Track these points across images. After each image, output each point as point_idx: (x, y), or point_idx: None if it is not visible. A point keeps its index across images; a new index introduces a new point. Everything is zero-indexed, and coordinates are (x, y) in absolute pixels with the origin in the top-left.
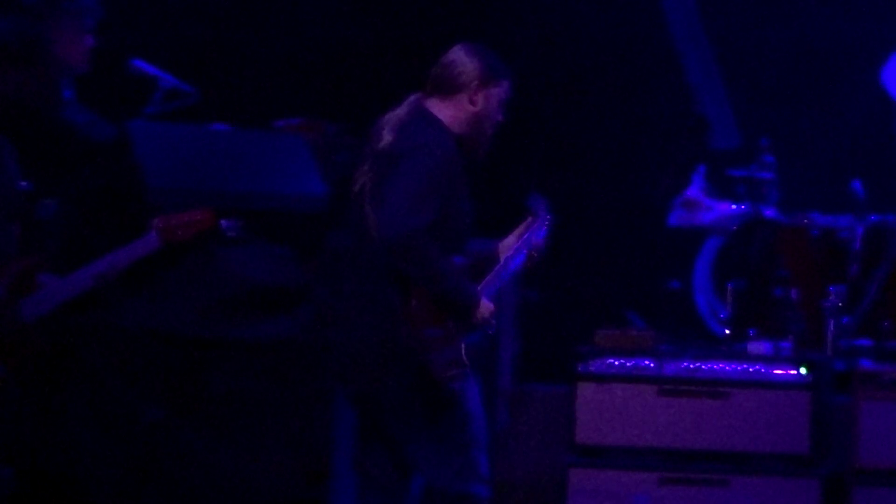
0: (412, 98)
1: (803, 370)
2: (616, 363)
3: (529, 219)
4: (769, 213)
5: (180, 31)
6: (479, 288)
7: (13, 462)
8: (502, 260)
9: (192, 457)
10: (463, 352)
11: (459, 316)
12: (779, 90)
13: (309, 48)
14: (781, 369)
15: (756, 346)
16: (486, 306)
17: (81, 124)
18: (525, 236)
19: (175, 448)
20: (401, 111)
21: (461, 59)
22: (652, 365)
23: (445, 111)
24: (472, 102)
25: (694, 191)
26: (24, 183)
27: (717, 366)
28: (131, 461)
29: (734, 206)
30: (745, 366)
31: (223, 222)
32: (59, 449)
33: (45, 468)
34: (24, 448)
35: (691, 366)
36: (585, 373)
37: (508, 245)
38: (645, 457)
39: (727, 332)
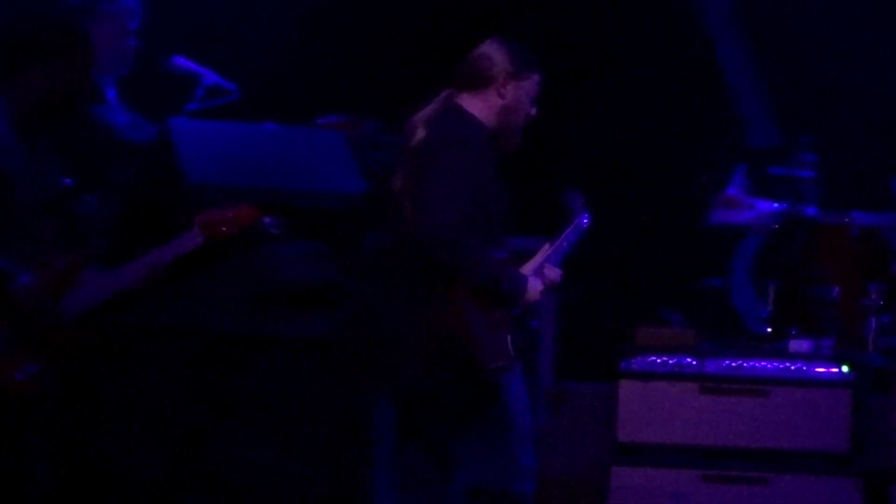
0: (443, 94)
1: (844, 368)
2: (658, 361)
3: (570, 220)
4: (809, 211)
5: (221, 28)
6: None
7: (51, 459)
8: (543, 254)
9: (230, 455)
10: (509, 343)
11: (506, 304)
12: (819, 87)
13: (350, 45)
14: (822, 367)
15: (797, 345)
16: (534, 285)
17: (123, 125)
18: (564, 234)
19: (214, 446)
20: (432, 108)
21: (490, 52)
22: (693, 363)
23: (476, 105)
24: (501, 95)
25: (734, 189)
26: (65, 179)
27: (759, 364)
28: (170, 458)
29: (774, 205)
30: (786, 364)
31: (266, 219)
32: (97, 446)
33: (83, 465)
34: (62, 445)
35: (733, 364)
36: (627, 371)
37: (548, 248)
38: (686, 455)
39: (768, 330)
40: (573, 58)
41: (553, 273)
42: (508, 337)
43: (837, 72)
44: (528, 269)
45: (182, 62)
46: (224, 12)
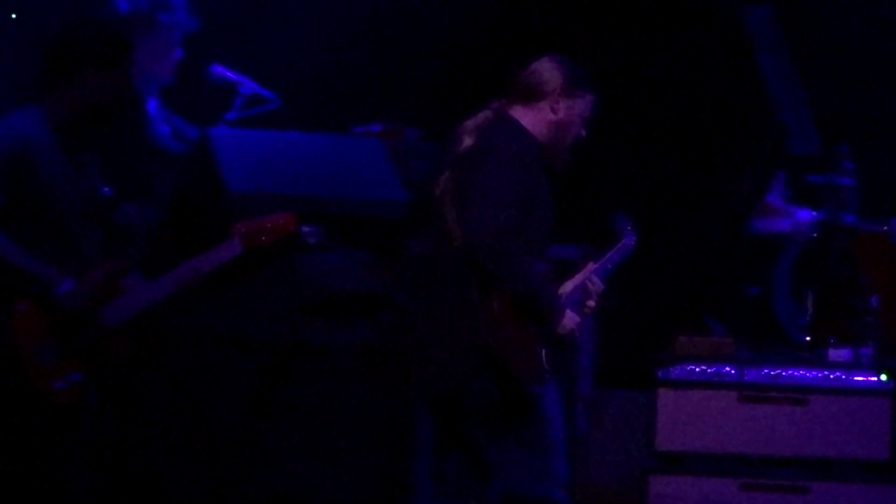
0: (494, 104)
1: (884, 377)
2: (696, 369)
3: (613, 241)
4: (848, 219)
5: (260, 36)
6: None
7: (94, 467)
8: (586, 273)
9: (272, 462)
10: (543, 355)
11: (542, 319)
12: (858, 95)
13: (389, 53)
14: (862, 376)
15: (836, 353)
16: (571, 318)
17: (165, 136)
18: (609, 255)
19: (256, 453)
20: (482, 116)
21: (546, 67)
22: (732, 371)
23: (526, 118)
24: (553, 111)
25: (773, 197)
26: (105, 188)
27: (798, 372)
28: (212, 466)
29: (813, 213)
30: (825, 372)
31: (304, 228)
32: (140, 454)
33: (126, 473)
34: (105, 453)
35: (772, 372)
36: (665, 379)
37: (592, 266)
38: (725, 463)
39: (807, 338)
40: (616, 67)
41: (596, 286)
42: (543, 350)
43: (876, 79)
44: (569, 285)
45: (221, 71)
46: (263, 20)
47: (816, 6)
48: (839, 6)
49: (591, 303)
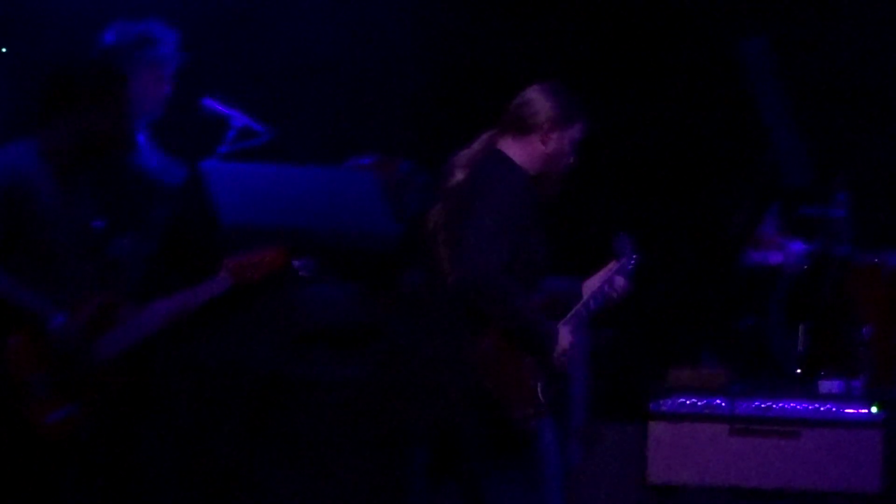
0: (485, 136)
1: (875, 409)
2: (688, 402)
3: (614, 260)
4: (841, 251)
5: (252, 69)
6: (559, 324)
7: (88, 500)
8: (584, 299)
9: (266, 495)
10: (539, 391)
11: (538, 353)
12: (852, 127)
13: (382, 85)
14: (853, 408)
15: (827, 385)
16: (564, 337)
17: (154, 168)
18: (608, 276)
19: (249, 486)
20: (473, 149)
21: (536, 98)
22: (724, 404)
23: (518, 150)
24: (544, 143)
25: (766, 229)
26: (98, 221)
27: (789, 404)
28: (206, 499)
29: (806, 245)
30: (816, 404)
31: (296, 261)
32: (133, 487)
33: None
34: (98, 486)
35: (763, 405)
36: (657, 411)
37: (591, 285)
38: (717, 496)
39: (799, 370)
40: (610, 99)
41: (619, 285)
42: (539, 384)
43: (870, 112)
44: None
45: (212, 104)
46: (255, 54)
47: (812, 38)
48: (834, 38)
49: (614, 300)
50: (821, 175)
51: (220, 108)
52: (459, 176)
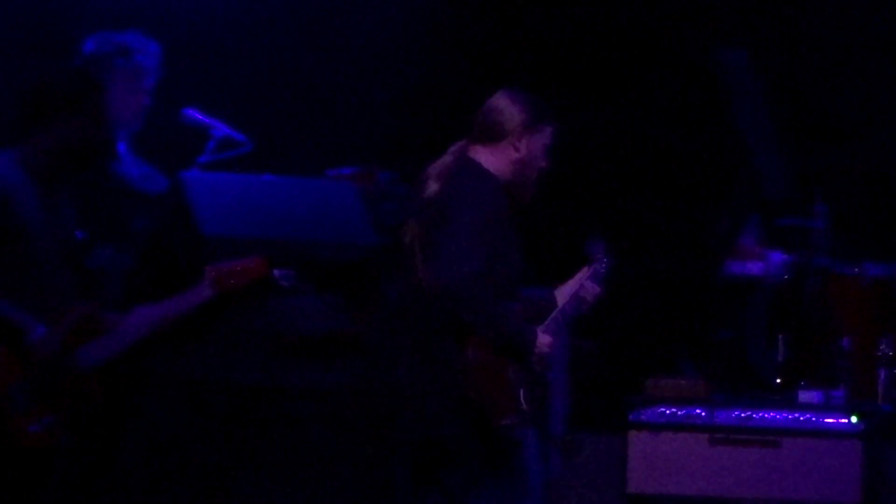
0: (456, 146)
1: (855, 419)
2: (667, 412)
3: (587, 265)
4: (822, 261)
5: (232, 80)
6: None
7: None
8: (560, 306)
9: None
10: (522, 399)
11: (518, 358)
12: (830, 138)
13: (360, 97)
14: (833, 418)
15: (807, 395)
16: (544, 339)
17: (135, 178)
18: (582, 281)
19: (232, 497)
20: (446, 159)
21: (504, 105)
22: (703, 414)
23: (490, 158)
24: (515, 149)
25: (746, 240)
26: (79, 232)
27: (769, 415)
28: None
29: (786, 256)
30: (796, 414)
31: (276, 271)
32: (113, 498)
33: None
34: (78, 497)
35: (743, 414)
36: (637, 421)
37: (566, 292)
38: None
39: (778, 381)
40: (591, 111)
41: (592, 290)
42: (521, 392)
43: (848, 123)
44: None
45: (193, 114)
46: (235, 64)
47: (790, 51)
48: (812, 50)
49: (588, 304)
50: (800, 186)
51: (200, 118)
52: (433, 187)
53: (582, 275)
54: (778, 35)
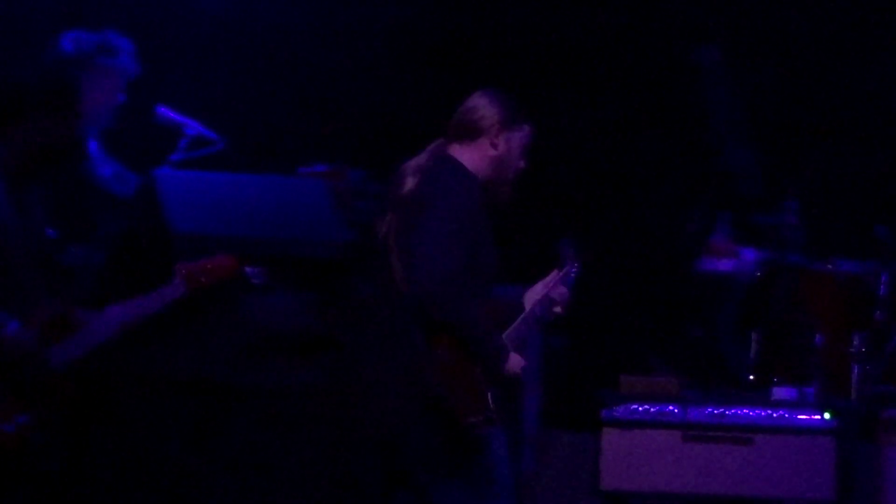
0: (434, 144)
1: (827, 416)
2: (640, 409)
3: (557, 267)
4: (794, 258)
5: (205, 78)
6: (505, 335)
7: None
8: (528, 307)
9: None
10: (489, 399)
11: (487, 364)
12: (802, 135)
13: (333, 94)
14: (806, 415)
15: (780, 392)
16: (515, 360)
17: (106, 177)
18: (552, 285)
19: (201, 495)
20: (423, 157)
21: (482, 103)
22: (676, 411)
23: (467, 156)
24: (493, 146)
25: (718, 237)
26: (50, 230)
27: (742, 411)
28: None
29: (758, 253)
30: (769, 411)
31: (248, 269)
32: (85, 496)
33: None
34: (50, 496)
35: (716, 411)
36: (610, 419)
37: (535, 294)
38: (670, 502)
39: (751, 377)
40: (563, 107)
41: (561, 294)
42: (489, 392)
43: (820, 120)
44: (533, 296)
45: (166, 112)
46: (208, 63)
47: (762, 47)
48: (784, 47)
49: (558, 309)
50: (772, 183)
51: (173, 116)
52: (410, 183)
53: (552, 278)
54: (751, 31)
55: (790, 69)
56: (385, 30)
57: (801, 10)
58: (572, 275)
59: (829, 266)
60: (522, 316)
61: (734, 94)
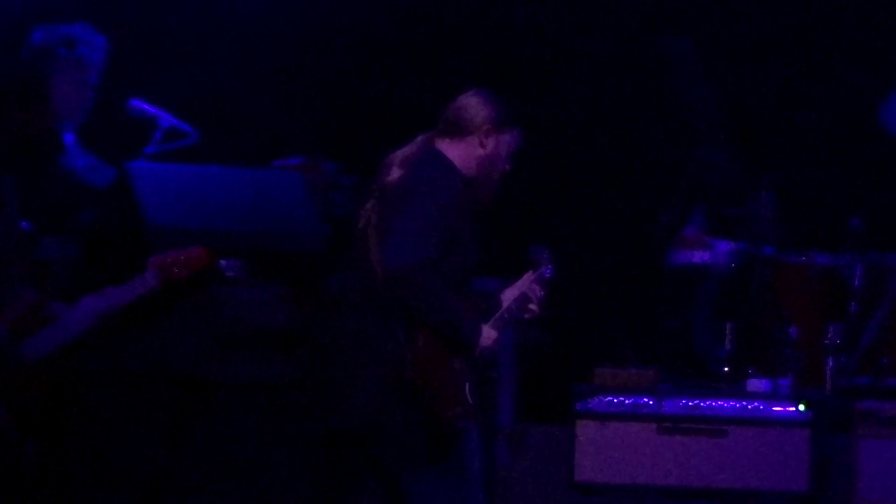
0: (422, 137)
1: (802, 407)
2: (615, 401)
3: (531, 271)
4: (768, 251)
5: (179, 70)
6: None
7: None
8: (504, 307)
9: (192, 497)
10: (467, 391)
11: (463, 351)
12: (778, 128)
13: (308, 87)
14: (780, 407)
15: (755, 384)
16: (489, 334)
17: (81, 169)
18: (525, 286)
19: (174, 488)
20: (410, 149)
21: (475, 102)
22: (651, 403)
23: (454, 152)
24: (481, 145)
25: (693, 229)
26: (24, 223)
27: (716, 403)
28: (132, 501)
29: (733, 245)
30: (743, 403)
31: (222, 262)
32: (57, 491)
33: None
34: (23, 491)
35: (690, 403)
36: (584, 411)
37: (509, 295)
38: (644, 495)
39: (726, 369)
40: (534, 100)
41: (537, 293)
42: (466, 384)
43: (796, 112)
44: (510, 294)
45: (139, 105)
46: (182, 55)
47: (735, 39)
48: (757, 38)
49: (534, 307)
50: (746, 175)
51: (147, 108)
52: (395, 174)
53: (526, 278)
54: (724, 23)
55: (764, 61)
56: (359, 22)
57: (774, 1)
58: (546, 276)
59: (804, 258)
60: (498, 314)
61: (707, 87)
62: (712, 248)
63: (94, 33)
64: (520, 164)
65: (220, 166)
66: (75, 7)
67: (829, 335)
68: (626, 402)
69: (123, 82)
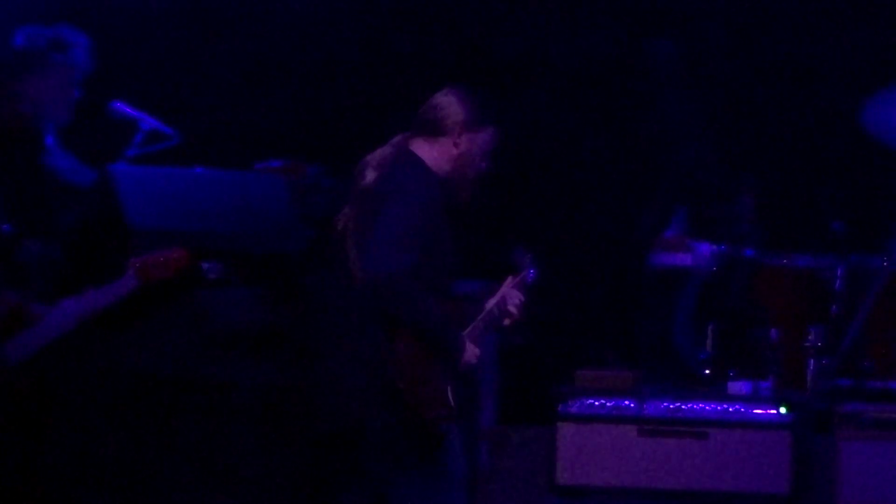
0: (397, 138)
1: (783, 410)
2: (596, 403)
3: (513, 275)
4: (749, 253)
5: (161, 73)
6: (464, 333)
7: None
8: (486, 311)
9: (174, 498)
10: (449, 393)
11: (445, 357)
12: (759, 130)
13: (290, 89)
14: (761, 409)
15: (736, 386)
16: (472, 350)
17: (63, 170)
18: (507, 290)
19: (155, 490)
20: (385, 151)
21: (448, 101)
22: (632, 405)
23: (429, 152)
24: (456, 145)
25: (674, 231)
26: (5, 224)
27: (698, 406)
28: (114, 502)
29: (714, 247)
30: (724, 406)
31: (203, 264)
32: (40, 491)
33: None
34: (4, 492)
35: (671, 406)
36: (566, 413)
37: (492, 298)
38: (625, 497)
39: (707, 372)
40: (516, 101)
41: (516, 299)
42: (448, 387)
43: (778, 115)
44: (492, 301)
45: (121, 107)
46: (163, 57)
47: (717, 40)
48: (738, 40)
49: (514, 311)
50: (727, 177)
51: (128, 111)
52: (371, 177)
53: (508, 283)
54: (705, 24)
55: (745, 62)
56: (340, 24)
57: (757, 3)
58: (529, 280)
59: (785, 260)
60: (479, 317)
61: (688, 88)
62: (693, 250)
63: (77, 34)
64: (501, 166)
65: (201, 169)
66: (59, 8)
67: (810, 337)
68: (608, 404)
69: (105, 85)
